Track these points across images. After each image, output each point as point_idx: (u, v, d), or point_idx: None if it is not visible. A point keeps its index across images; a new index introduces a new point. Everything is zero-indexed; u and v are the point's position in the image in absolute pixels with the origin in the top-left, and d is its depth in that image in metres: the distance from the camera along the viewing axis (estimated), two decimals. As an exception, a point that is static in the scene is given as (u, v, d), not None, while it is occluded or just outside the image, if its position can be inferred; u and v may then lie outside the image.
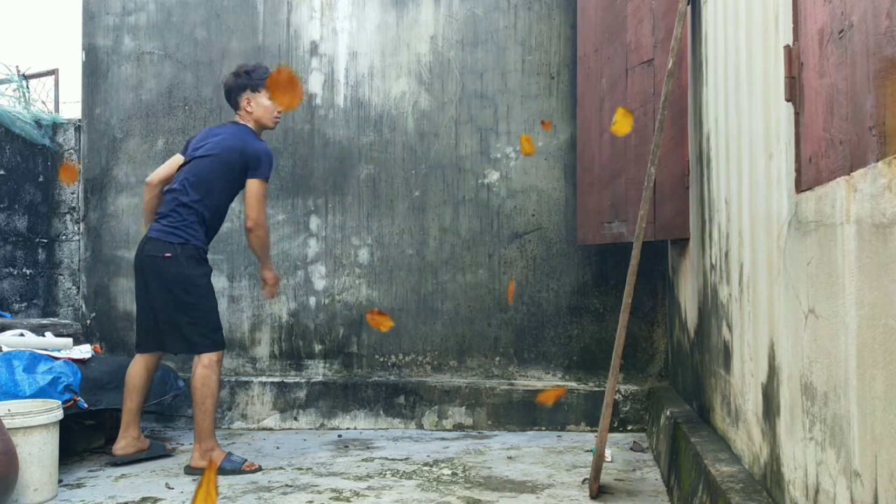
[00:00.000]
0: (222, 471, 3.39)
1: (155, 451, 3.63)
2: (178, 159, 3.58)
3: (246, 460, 3.48)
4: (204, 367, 3.38)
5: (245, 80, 3.54)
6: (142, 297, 3.51)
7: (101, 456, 3.76)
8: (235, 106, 3.59)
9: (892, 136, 1.31)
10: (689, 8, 3.20)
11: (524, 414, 4.32)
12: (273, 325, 4.57)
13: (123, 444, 3.51)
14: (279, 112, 3.61)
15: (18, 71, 5.11)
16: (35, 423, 3.00)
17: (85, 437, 3.82)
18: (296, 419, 4.43)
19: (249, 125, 3.56)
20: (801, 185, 1.80)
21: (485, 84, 4.49)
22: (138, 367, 3.52)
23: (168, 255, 3.38)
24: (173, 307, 3.40)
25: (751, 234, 2.32)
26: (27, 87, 5.13)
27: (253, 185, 3.42)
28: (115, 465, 3.52)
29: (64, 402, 3.31)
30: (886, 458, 1.30)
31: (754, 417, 2.29)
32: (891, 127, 1.31)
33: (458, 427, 4.36)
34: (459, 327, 4.48)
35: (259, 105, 3.55)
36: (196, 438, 3.40)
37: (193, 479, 3.31)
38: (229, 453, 3.47)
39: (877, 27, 1.36)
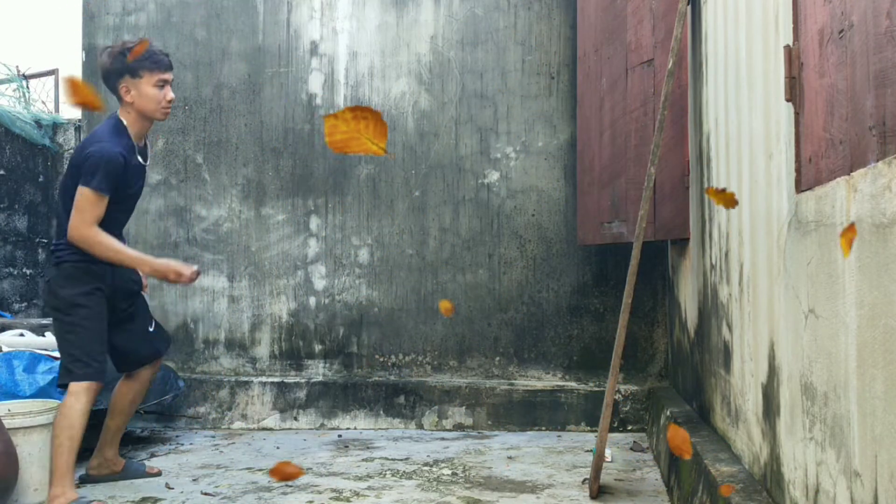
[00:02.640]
0: None
1: (128, 475, 3.31)
2: None
3: (98, 501, 2.96)
4: (70, 394, 2.90)
5: (120, 64, 2.95)
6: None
7: (101, 456, 3.76)
8: (116, 94, 3.03)
9: (892, 136, 1.31)
10: (689, 8, 3.20)
11: (524, 414, 4.32)
12: (273, 325, 4.57)
13: (96, 463, 3.27)
14: (169, 101, 3.03)
15: (18, 71, 5.12)
16: (35, 423, 3.00)
17: (85, 437, 3.80)
18: (296, 419, 4.43)
19: (125, 118, 3.02)
20: (801, 185, 1.80)
21: (485, 84, 4.49)
22: (122, 388, 3.29)
23: (47, 279, 3.04)
24: (56, 332, 3.02)
25: (751, 234, 2.32)
26: (27, 87, 5.13)
27: (77, 191, 2.88)
28: (87, 483, 3.25)
29: (64, 402, 3.31)
30: (886, 458, 1.30)
31: (754, 417, 2.29)
32: (891, 127, 1.31)
33: (458, 427, 4.36)
34: (459, 327, 4.48)
35: (141, 94, 2.97)
36: (49, 478, 2.89)
37: (194, 480, 3.31)
38: (81, 497, 2.89)
39: (877, 27, 1.36)
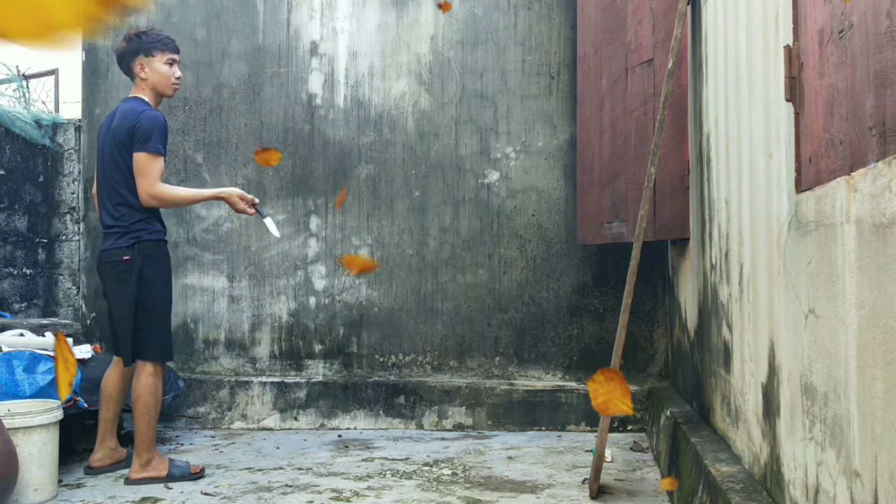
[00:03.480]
0: (171, 477, 3.27)
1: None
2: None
3: (189, 463, 3.38)
4: (150, 374, 3.25)
5: (136, 45, 3.31)
6: (107, 306, 3.42)
7: (101, 456, 3.76)
8: (130, 74, 3.38)
9: (892, 136, 1.31)
10: (689, 8, 3.20)
11: (524, 414, 4.32)
12: (273, 325, 4.57)
13: (100, 455, 3.39)
14: (178, 77, 3.38)
15: (18, 71, 5.11)
16: (35, 423, 3.00)
17: (85, 437, 3.81)
18: (296, 419, 4.43)
19: (144, 95, 3.35)
20: (801, 185, 1.80)
21: (485, 84, 4.49)
22: (113, 376, 3.40)
23: (126, 258, 3.24)
24: (130, 313, 3.26)
25: (751, 234, 2.32)
26: (27, 87, 5.13)
27: (135, 158, 3.20)
28: (91, 475, 3.38)
29: (64, 402, 3.31)
30: (886, 458, 1.30)
31: (754, 417, 2.29)
32: (891, 127, 1.31)
33: (458, 427, 4.36)
34: (459, 327, 4.48)
35: (154, 70, 3.32)
36: (136, 450, 3.27)
37: (193, 481, 3.31)
38: (171, 459, 3.36)
39: (877, 27, 1.36)
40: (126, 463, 3.44)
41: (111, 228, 3.29)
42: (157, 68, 3.33)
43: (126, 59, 3.35)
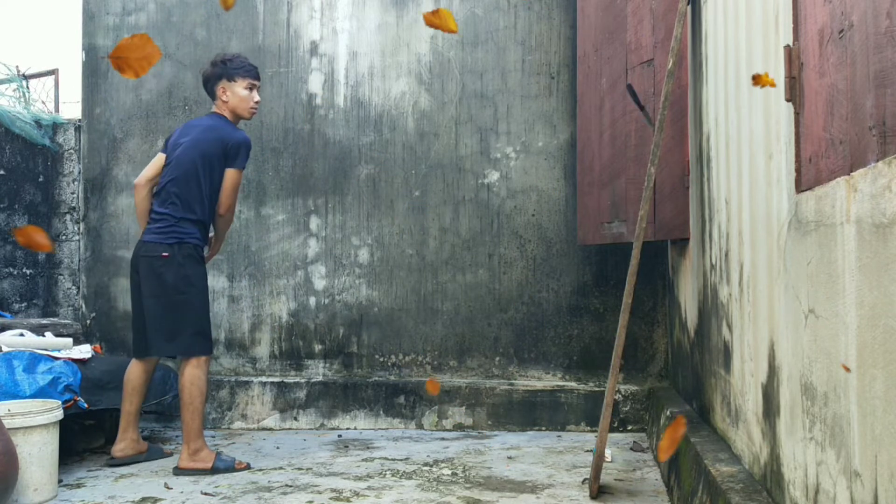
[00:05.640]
0: (216, 470, 3.41)
1: (153, 455, 3.63)
2: (161, 158, 3.57)
3: (235, 459, 3.52)
4: (193, 367, 3.40)
5: (220, 70, 3.53)
6: (136, 301, 3.54)
7: (101, 456, 3.76)
8: (212, 95, 3.59)
9: (892, 136, 1.31)
10: (689, 8, 3.20)
11: (524, 414, 4.32)
12: (273, 325, 4.57)
13: (122, 445, 3.54)
14: (256, 102, 3.58)
15: (18, 71, 5.11)
16: (35, 423, 3.00)
17: (85, 437, 3.82)
18: (296, 419, 4.43)
19: (225, 115, 3.55)
20: (801, 185, 1.80)
21: (485, 84, 4.49)
22: (137, 369, 3.54)
23: (165, 254, 3.40)
24: (167, 307, 3.42)
25: (751, 234, 2.32)
26: (27, 87, 5.13)
27: (230, 174, 3.48)
28: (113, 466, 3.52)
29: (64, 402, 3.31)
30: (886, 458, 1.30)
31: (754, 417, 2.29)
32: (891, 127, 1.31)
33: (458, 427, 4.36)
34: (459, 327, 4.48)
35: (234, 94, 3.53)
36: (185, 439, 3.43)
37: (193, 480, 3.31)
38: (218, 452, 3.50)
39: (877, 27, 1.36)
40: (147, 455, 3.60)
41: (157, 222, 3.46)
42: (238, 93, 3.53)
43: (210, 82, 3.56)
